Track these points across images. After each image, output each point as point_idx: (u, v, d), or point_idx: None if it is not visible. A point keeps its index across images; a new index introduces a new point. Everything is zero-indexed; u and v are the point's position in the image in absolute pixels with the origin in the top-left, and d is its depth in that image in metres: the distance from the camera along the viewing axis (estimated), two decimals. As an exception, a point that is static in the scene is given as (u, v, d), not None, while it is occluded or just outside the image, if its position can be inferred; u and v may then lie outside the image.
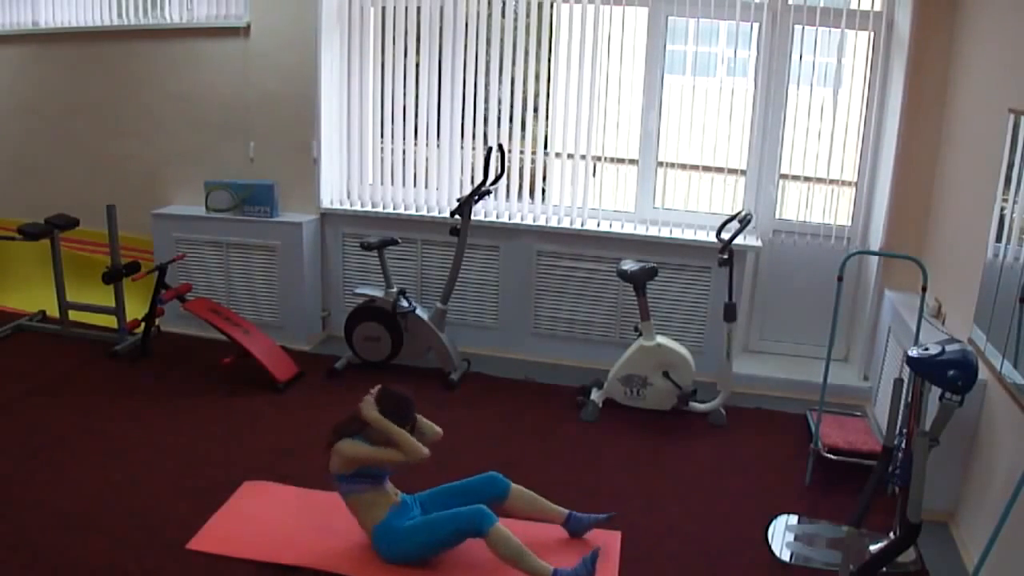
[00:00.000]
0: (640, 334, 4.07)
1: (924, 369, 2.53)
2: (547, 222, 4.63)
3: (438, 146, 4.72)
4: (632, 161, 4.64)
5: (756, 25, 4.32)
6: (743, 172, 4.48)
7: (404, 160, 4.81)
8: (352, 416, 2.85)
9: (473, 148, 4.71)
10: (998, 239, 2.98)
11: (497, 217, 4.68)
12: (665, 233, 4.48)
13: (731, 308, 3.96)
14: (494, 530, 2.65)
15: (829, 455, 3.47)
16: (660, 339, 4.04)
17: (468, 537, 2.72)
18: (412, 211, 4.78)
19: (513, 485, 2.96)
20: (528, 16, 4.49)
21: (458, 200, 4.33)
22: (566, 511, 3.01)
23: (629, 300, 4.43)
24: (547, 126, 4.64)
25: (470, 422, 3.94)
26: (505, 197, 4.69)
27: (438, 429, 2.98)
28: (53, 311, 4.90)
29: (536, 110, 4.62)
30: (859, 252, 4.06)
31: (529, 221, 4.64)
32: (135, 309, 4.71)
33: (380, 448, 2.78)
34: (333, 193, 4.88)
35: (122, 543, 2.85)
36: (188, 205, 4.97)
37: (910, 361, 2.57)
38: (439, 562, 2.80)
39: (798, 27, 4.25)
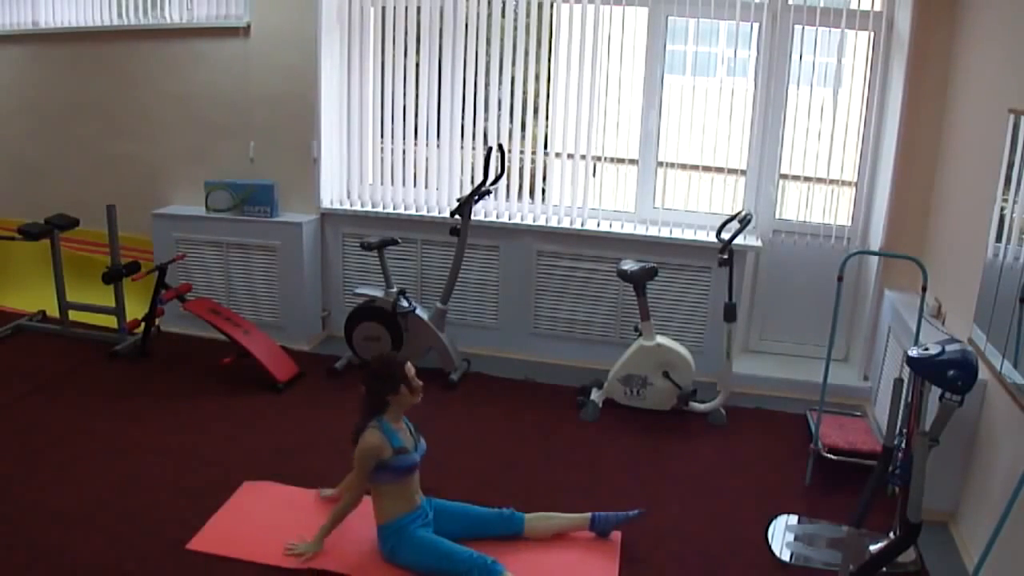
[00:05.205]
0: (640, 334, 4.07)
1: (924, 369, 2.53)
2: (547, 222, 4.62)
3: (438, 146, 4.72)
4: (632, 161, 4.64)
5: (756, 25, 4.32)
6: (743, 172, 4.48)
7: (404, 160, 4.81)
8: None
9: (473, 148, 4.71)
10: (998, 239, 2.98)
11: (497, 217, 4.68)
12: (665, 233, 4.48)
13: (731, 308, 3.96)
14: None
15: (829, 455, 3.47)
16: (660, 339, 4.04)
17: None
18: (412, 211, 4.78)
19: (527, 516, 2.95)
20: (528, 16, 4.49)
21: (458, 200, 4.33)
22: (588, 515, 2.99)
23: (629, 300, 4.43)
24: (547, 126, 4.64)
25: (470, 422, 3.94)
26: (505, 197, 4.69)
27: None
28: (53, 311, 4.90)
29: (536, 110, 4.62)
30: (859, 252, 4.06)
31: (529, 221, 4.64)
32: (135, 309, 4.71)
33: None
34: (333, 193, 4.88)
35: (122, 543, 2.85)
36: (188, 205, 4.96)
37: (910, 361, 2.57)
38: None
39: (798, 27, 4.25)
